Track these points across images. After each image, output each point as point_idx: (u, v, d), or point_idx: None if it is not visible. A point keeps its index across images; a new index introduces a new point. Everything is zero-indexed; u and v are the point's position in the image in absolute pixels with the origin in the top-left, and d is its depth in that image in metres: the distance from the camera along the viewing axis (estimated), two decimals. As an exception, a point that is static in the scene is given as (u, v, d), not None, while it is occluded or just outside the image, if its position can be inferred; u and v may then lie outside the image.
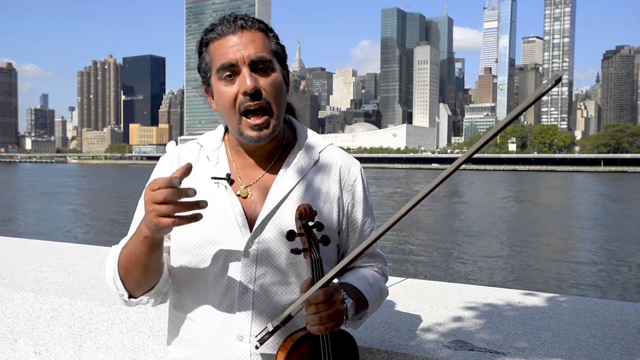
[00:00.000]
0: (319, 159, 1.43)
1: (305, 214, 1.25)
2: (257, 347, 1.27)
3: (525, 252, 18.42)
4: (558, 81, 0.74)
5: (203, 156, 1.42)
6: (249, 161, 1.40)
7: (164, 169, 1.44)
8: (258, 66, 1.29)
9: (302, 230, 1.27)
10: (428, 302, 2.26)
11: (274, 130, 1.32)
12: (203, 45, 1.35)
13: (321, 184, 1.41)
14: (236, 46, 1.29)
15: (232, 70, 1.29)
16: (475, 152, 0.87)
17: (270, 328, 1.24)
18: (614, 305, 2.27)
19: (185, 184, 1.33)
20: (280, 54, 1.37)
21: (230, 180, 1.37)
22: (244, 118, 1.30)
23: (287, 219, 1.34)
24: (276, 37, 1.37)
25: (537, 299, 2.32)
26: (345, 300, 1.29)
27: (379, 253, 1.54)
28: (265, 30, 1.35)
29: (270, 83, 1.30)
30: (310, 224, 1.28)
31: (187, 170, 1.12)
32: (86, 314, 2.24)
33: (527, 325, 1.96)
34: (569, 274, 15.03)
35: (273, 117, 1.31)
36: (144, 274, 1.28)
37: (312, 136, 1.47)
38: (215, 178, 1.37)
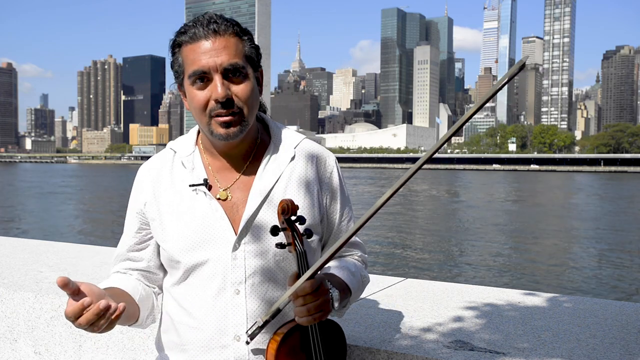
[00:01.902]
0: (295, 155, 1.43)
1: (288, 208, 1.27)
2: (247, 343, 1.29)
3: (525, 252, 18.42)
4: (522, 67, 0.74)
5: (178, 163, 1.42)
6: (225, 163, 1.41)
7: (138, 186, 1.46)
8: (230, 73, 1.30)
9: (285, 224, 1.29)
10: (428, 302, 2.26)
11: (242, 130, 1.33)
12: (176, 46, 1.34)
13: (299, 178, 1.42)
14: (208, 52, 1.28)
15: (204, 77, 1.29)
16: (452, 136, 0.88)
17: (260, 323, 1.26)
18: (614, 305, 2.27)
19: (163, 192, 1.41)
20: (253, 58, 1.36)
21: (207, 185, 1.37)
22: (213, 118, 1.31)
23: (270, 217, 1.36)
24: (250, 40, 1.36)
25: (537, 299, 2.32)
26: (331, 291, 1.31)
27: (358, 242, 1.56)
28: (239, 33, 1.33)
29: (243, 89, 1.31)
30: (293, 218, 1.30)
31: (66, 285, 1.09)
32: (86, 314, 2.29)
33: (527, 325, 1.96)
34: (569, 274, 15.04)
35: (242, 119, 1.32)
36: (121, 322, 1.33)
37: (286, 132, 1.48)
38: (193, 185, 1.37)
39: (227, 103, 1.28)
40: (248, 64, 1.33)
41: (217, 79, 1.28)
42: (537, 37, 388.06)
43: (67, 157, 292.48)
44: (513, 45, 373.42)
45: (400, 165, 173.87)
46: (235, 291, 1.34)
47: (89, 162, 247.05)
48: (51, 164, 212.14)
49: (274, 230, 1.28)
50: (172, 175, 1.41)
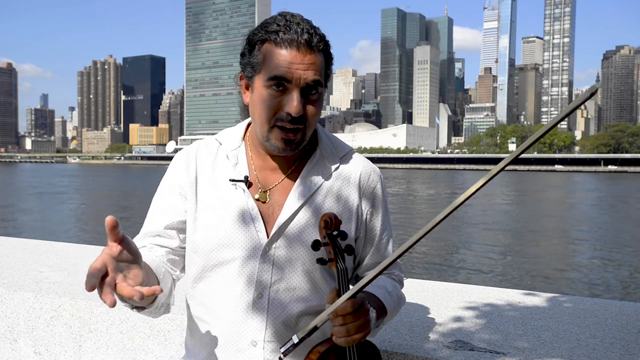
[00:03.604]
0: (339, 166, 1.41)
1: (331, 223, 1.23)
2: (280, 359, 1.24)
3: (525, 252, 18.42)
4: (594, 93, 0.74)
5: (222, 155, 1.40)
6: (269, 164, 1.38)
7: (180, 168, 1.41)
8: (308, 90, 1.27)
9: (326, 239, 1.25)
10: (428, 302, 2.26)
11: (298, 147, 1.31)
12: (259, 41, 1.28)
13: (340, 191, 1.39)
14: (295, 64, 1.24)
15: (282, 84, 1.25)
16: (517, 157, 0.84)
17: (296, 340, 1.20)
18: (614, 305, 2.27)
19: (203, 181, 1.37)
20: (329, 76, 1.34)
21: (248, 182, 1.35)
22: (276, 129, 1.28)
23: (305, 226, 1.33)
24: (332, 59, 1.34)
25: (537, 299, 2.32)
26: (370, 312, 1.25)
27: (397, 261, 1.53)
28: (327, 51, 1.31)
29: (314, 111, 1.29)
30: (335, 233, 1.26)
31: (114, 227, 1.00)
32: (86, 314, 2.24)
33: (527, 325, 1.96)
34: (569, 274, 15.03)
35: (303, 138, 1.31)
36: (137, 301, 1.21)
37: (333, 141, 1.45)
38: (234, 180, 1.35)
39: (298, 120, 1.26)
40: (324, 83, 1.31)
41: (296, 93, 1.25)
42: (537, 37, 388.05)
43: (67, 157, 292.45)
44: (513, 45, 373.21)
45: (400, 165, 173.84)
46: (258, 295, 1.31)
47: (89, 162, 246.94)
48: (51, 164, 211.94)
49: (315, 245, 1.25)
50: (214, 166, 1.38)
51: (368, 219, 1.43)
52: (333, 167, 1.40)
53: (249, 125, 1.43)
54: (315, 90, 1.28)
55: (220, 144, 1.42)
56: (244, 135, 1.43)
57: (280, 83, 1.24)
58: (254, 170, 1.38)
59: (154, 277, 1.23)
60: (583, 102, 0.74)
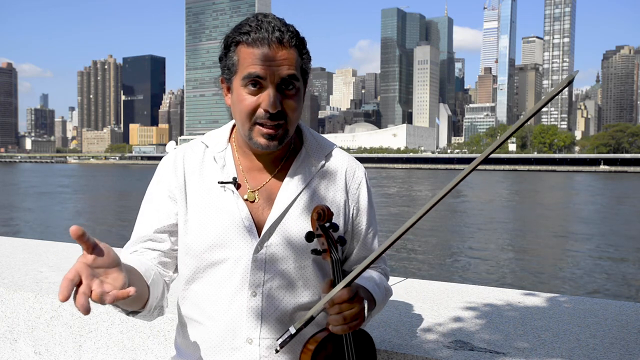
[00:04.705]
0: (324, 163, 1.44)
1: (324, 214, 1.26)
2: (277, 351, 1.25)
3: (525, 252, 18.42)
4: (571, 81, 0.75)
5: (209, 157, 1.41)
6: (256, 164, 1.40)
7: (168, 171, 1.42)
8: (284, 85, 1.28)
9: (319, 231, 1.28)
10: (428, 302, 2.26)
11: (281, 142, 1.32)
12: (233, 43, 1.31)
13: (327, 188, 1.42)
14: (268, 61, 1.26)
15: (257, 82, 1.27)
16: (491, 152, 0.88)
17: (293, 331, 1.22)
18: (614, 305, 2.27)
19: (192, 184, 1.39)
20: (307, 72, 1.36)
21: (236, 184, 1.37)
22: (257, 126, 1.30)
23: (294, 224, 1.36)
24: (308, 54, 1.35)
25: (537, 299, 2.33)
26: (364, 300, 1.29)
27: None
28: (301, 46, 1.32)
29: (292, 104, 1.30)
30: (327, 225, 1.29)
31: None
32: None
33: (527, 325, 1.97)
34: (569, 274, 15.03)
35: (285, 134, 1.32)
36: (127, 305, 1.25)
37: (318, 139, 1.47)
38: (222, 183, 1.37)
39: (276, 116, 1.28)
40: (301, 78, 1.33)
41: (271, 90, 1.27)
42: (537, 37, 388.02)
43: (67, 157, 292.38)
44: (513, 45, 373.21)
45: (400, 165, 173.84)
46: (252, 293, 1.32)
47: (88, 162, 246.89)
48: (51, 164, 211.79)
49: (309, 236, 1.28)
50: (202, 169, 1.40)
51: (354, 215, 1.46)
52: (319, 165, 1.42)
53: (234, 126, 1.45)
54: (292, 85, 1.29)
55: (207, 147, 1.43)
56: (230, 137, 1.45)
57: (255, 81, 1.26)
58: (241, 171, 1.40)
59: (141, 281, 1.25)
60: (562, 90, 0.74)
